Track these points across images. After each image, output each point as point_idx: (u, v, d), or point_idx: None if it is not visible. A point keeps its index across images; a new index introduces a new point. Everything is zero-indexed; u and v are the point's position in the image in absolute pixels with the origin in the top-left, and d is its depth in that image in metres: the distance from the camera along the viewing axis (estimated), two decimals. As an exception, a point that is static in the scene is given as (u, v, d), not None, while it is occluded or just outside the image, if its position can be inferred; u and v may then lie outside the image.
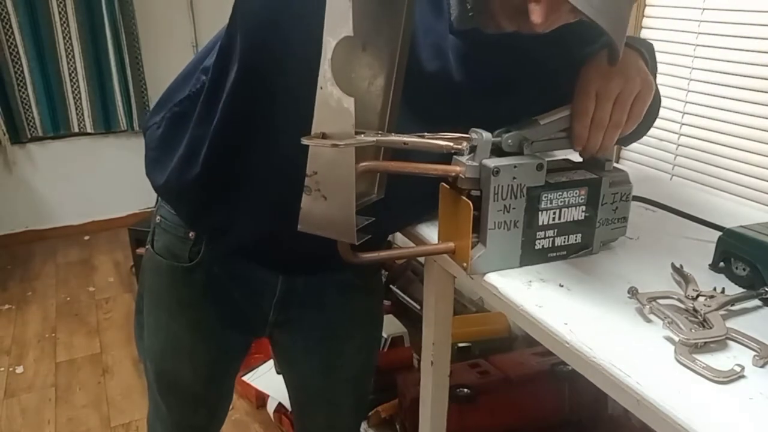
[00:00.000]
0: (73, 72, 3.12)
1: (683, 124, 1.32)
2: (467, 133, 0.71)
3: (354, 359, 1.11)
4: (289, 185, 0.66)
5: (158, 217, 0.96)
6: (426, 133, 0.68)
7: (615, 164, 0.79)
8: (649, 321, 0.65)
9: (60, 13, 3.00)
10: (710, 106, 1.25)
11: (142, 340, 1.06)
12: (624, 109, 0.72)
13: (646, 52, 0.77)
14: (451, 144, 0.68)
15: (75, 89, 3.15)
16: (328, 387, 1.11)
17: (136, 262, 2.59)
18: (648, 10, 1.37)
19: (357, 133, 0.61)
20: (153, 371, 1.05)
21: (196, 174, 0.84)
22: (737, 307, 0.67)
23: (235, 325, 0.99)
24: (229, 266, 0.93)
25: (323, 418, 1.17)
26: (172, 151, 0.87)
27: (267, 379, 1.95)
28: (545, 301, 0.69)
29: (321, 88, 0.60)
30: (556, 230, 0.76)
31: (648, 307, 0.64)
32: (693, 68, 1.28)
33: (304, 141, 0.61)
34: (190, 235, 0.91)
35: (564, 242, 0.77)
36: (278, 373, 1.72)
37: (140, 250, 2.51)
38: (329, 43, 0.58)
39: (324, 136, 0.61)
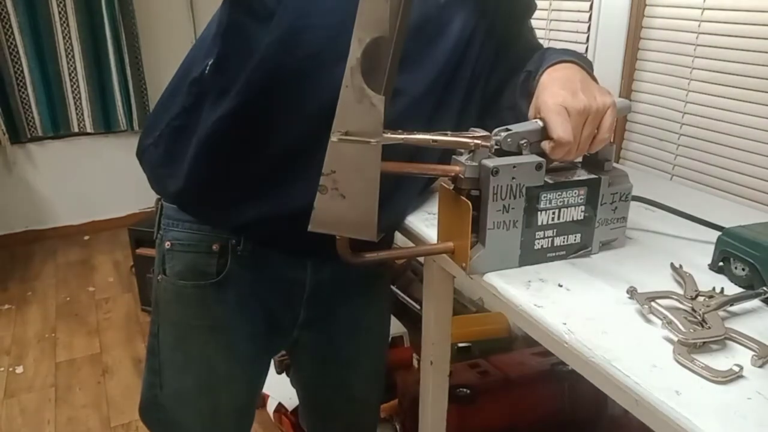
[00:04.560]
0: (73, 72, 3.12)
1: (683, 124, 1.32)
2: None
3: (376, 352, 1.14)
4: (314, 160, 0.66)
5: (168, 243, 0.91)
6: (449, 132, 0.69)
7: (614, 164, 0.79)
8: (648, 321, 0.65)
9: (60, 13, 3.00)
10: (710, 107, 1.25)
11: (160, 389, 0.96)
12: (591, 134, 0.73)
13: (585, 64, 0.80)
14: (479, 141, 0.69)
15: (75, 89, 3.15)
16: (354, 383, 1.13)
17: (136, 262, 2.59)
18: (648, 10, 1.37)
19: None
20: (184, 413, 0.98)
21: (219, 165, 0.84)
22: (736, 307, 0.67)
23: (266, 339, 0.98)
24: (258, 268, 0.92)
25: (347, 417, 1.17)
26: (182, 160, 0.87)
27: (267, 379, 1.95)
28: (544, 301, 0.69)
29: (347, 86, 0.60)
30: (555, 230, 0.76)
31: (647, 306, 0.64)
32: (693, 68, 1.28)
33: (334, 138, 0.61)
34: (214, 247, 0.89)
35: (563, 242, 0.77)
36: (278, 373, 1.72)
37: (140, 250, 2.51)
38: (361, 41, 0.58)
39: (347, 133, 0.61)
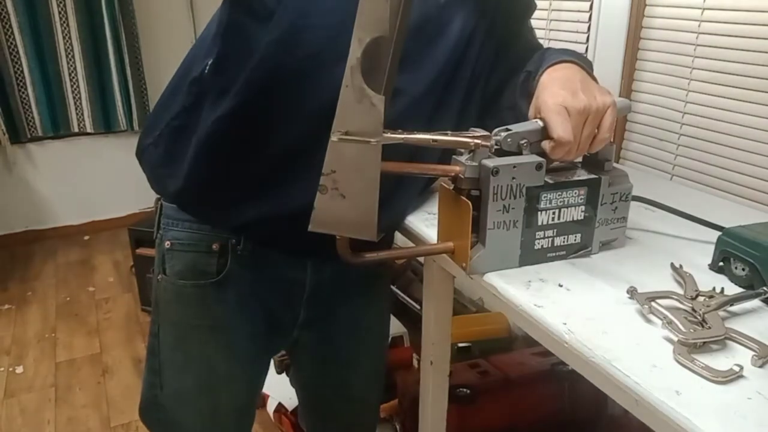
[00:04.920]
0: (73, 72, 3.12)
1: (683, 124, 1.32)
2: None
3: (375, 352, 1.14)
4: (320, 164, 0.66)
5: (167, 243, 0.91)
6: (449, 131, 0.70)
7: (614, 164, 0.79)
8: (648, 321, 0.65)
9: (60, 13, 3.00)
10: (710, 106, 1.25)
11: (160, 389, 0.97)
12: (591, 133, 0.73)
13: (585, 63, 0.80)
14: (479, 141, 0.69)
15: (75, 89, 3.15)
16: (354, 383, 1.13)
17: (136, 262, 2.59)
18: (648, 10, 1.37)
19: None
20: (185, 413, 0.98)
21: (219, 165, 0.84)
22: (736, 307, 0.67)
23: (266, 338, 0.98)
24: (258, 268, 0.92)
25: (347, 417, 1.18)
26: (181, 159, 0.86)
27: (267, 379, 1.95)
28: (544, 301, 0.69)
29: (347, 86, 0.60)
30: (555, 230, 0.76)
31: (647, 306, 0.64)
32: (693, 68, 1.28)
33: (334, 138, 0.61)
34: (214, 246, 0.89)
35: (563, 242, 0.77)
36: (278, 373, 1.72)
37: (140, 250, 2.51)
38: (361, 41, 0.58)
39: (347, 133, 0.61)
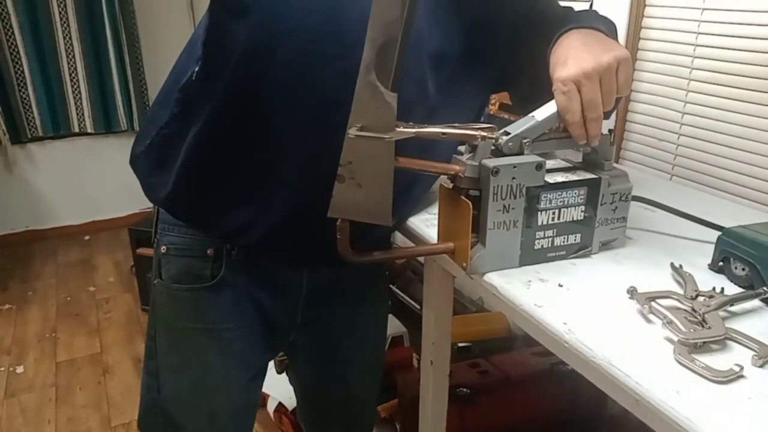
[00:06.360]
0: (73, 72, 3.12)
1: (683, 124, 1.32)
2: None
3: (373, 352, 1.14)
4: (307, 171, 0.65)
5: (163, 248, 0.91)
6: (456, 124, 0.71)
7: (614, 164, 0.79)
8: (648, 321, 0.65)
9: (60, 13, 3.00)
10: (710, 107, 1.25)
11: (158, 392, 0.96)
12: (610, 89, 0.71)
13: (602, 25, 0.78)
14: (485, 133, 0.70)
15: (75, 89, 3.15)
16: (352, 383, 1.13)
17: (136, 262, 2.59)
18: (648, 10, 1.37)
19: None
20: (182, 416, 0.97)
21: (205, 173, 0.84)
22: (736, 307, 0.67)
23: (263, 341, 0.98)
24: (253, 272, 0.91)
25: (345, 416, 1.18)
26: (171, 167, 0.86)
27: (267, 379, 1.95)
28: (544, 301, 0.69)
29: (361, 83, 0.61)
30: (555, 230, 0.76)
31: (647, 306, 0.64)
32: (693, 68, 1.28)
33: (351, 133, 0.63)
34: (209, 251, 0.89)
35: (563, 242, 0.78)
36: (278, 372, 1.72)
37: (141, 250, 2.51)
38: (374, 41, 0.59)
39: (363, 128, 0.63)
